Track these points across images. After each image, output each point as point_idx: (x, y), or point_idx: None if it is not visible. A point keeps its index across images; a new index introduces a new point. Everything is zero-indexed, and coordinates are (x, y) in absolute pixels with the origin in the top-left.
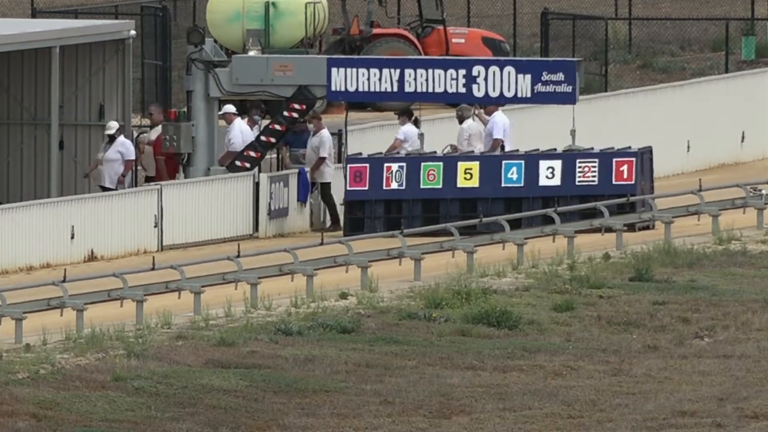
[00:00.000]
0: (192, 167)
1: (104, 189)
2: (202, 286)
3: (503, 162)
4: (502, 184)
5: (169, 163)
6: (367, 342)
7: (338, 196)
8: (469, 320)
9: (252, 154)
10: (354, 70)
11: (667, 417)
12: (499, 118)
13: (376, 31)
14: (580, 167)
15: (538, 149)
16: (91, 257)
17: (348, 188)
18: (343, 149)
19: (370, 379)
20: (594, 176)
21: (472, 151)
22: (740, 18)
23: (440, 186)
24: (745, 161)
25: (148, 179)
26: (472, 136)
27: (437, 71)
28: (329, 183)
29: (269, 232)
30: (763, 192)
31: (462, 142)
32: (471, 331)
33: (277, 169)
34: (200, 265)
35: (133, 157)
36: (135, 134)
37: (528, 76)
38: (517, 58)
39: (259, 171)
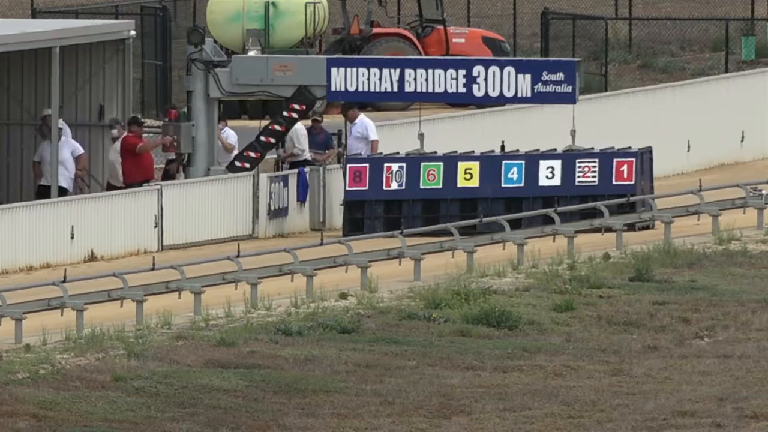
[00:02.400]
0: (192, 167)
1: (42, 189)
2: (203, 286)
3: (503, 162)
4: (502, 184)
5: (133, 165)
6: (367, 342)
7: (338, 196)
8: (469, 320)
9: (252, 154)
10: (354, 70)
11: (667, 417)
12: (368, 120)
13: (376, 30)
14: (580, 167)
15: (538, 149)
16: (91, 257)
17: (348, 188)
18: (342, 149)
19: (370, 379)
20: (594, 176)
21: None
22: (740, 18)
23: (440, 186)
24: (745, 161)
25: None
26: (301, 137)
27: (437, 71)
28: None
29: (269, 232)
30: (763, 192)
31: (295, 144)
32: (471, 331)
33: (276, 170)
34: (200, 265)
35: (83, 151)
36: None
37: (528, 76)
38: (517, 58)
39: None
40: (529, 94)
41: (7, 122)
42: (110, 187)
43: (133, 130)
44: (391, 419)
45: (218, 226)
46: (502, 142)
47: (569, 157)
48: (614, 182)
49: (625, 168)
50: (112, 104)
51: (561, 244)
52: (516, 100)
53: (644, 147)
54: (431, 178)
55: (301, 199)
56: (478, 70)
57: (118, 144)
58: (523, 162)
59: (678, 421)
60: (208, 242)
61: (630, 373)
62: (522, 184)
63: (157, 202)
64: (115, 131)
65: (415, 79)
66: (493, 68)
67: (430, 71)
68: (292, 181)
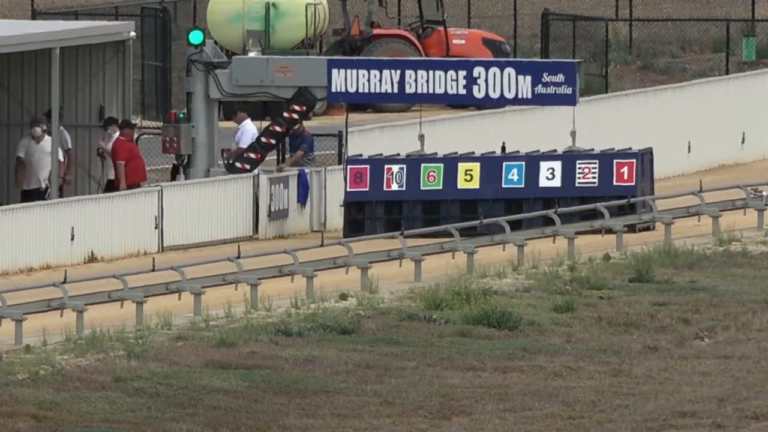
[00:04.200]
0: (192, 168)
1: (28, 193)
2: (203, 287)
3: (504, 163)
4: (503, 186)
5: (129, 169)
6: (368, 343)
7: (339, 196)
8: (469, 321)
9: (252, 155)
10: (354, 71)
11: (668, 418)
12: (249, 126)
13: (376, 31)
14: (580, 168)
15: (538, 150)
16: (91, 258)
17: (348, 189)
18: (343, 150)
19: (370, 379)
20: (594, 177)
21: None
22: (741, 19)
23: (440, 187)
24: (746, 162)
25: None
26: (106, 136)
27: (438, 72)
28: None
29: (269, 233)
30: (764, 193)
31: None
32: (471, 332)
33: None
34: (200, 266)
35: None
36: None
37: (528, 77)
38: (518, 59)
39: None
40: (529, 96)
41: (7, 123)
42: (25, 193)
43: (126, 133)
44: (391, 420)
45: (218, 228)
46: (503, 143)
47: (569, 159)
48: (614, 183)
49: (625, 169)
50: (112, 105)
51: (561, 245)
52: (516, 101)
53: (645, 148)
54: (431, 179)
55: (302, 200)
56: (478, 71)
57: (45, 144)
58: (523, 163)
59: (678, 422)
60: (208, 243)
61: (630, 373)
62: (522, 186)
63: (157, 203)
64: (38, 129)
65: (415, 80)
66: (494, 69)
67: (430, 72)
68: (293, 183)
